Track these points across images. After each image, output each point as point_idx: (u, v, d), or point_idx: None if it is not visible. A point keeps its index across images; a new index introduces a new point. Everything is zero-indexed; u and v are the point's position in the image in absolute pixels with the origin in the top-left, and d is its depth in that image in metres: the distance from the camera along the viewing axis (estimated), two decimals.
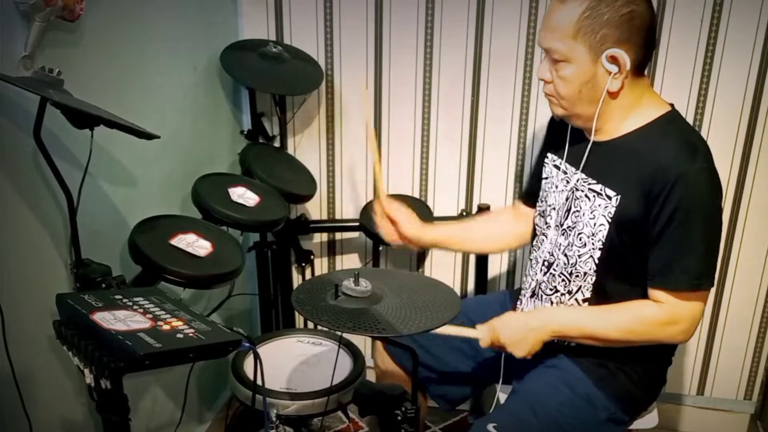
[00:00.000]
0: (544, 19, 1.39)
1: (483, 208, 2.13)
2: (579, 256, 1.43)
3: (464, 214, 2.17)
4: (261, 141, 2.22)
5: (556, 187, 1.51)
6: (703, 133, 2.01)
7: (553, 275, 1.50)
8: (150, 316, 1.07)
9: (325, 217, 2.34)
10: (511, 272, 2.29)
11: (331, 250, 2.39)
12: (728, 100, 1.98)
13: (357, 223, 2.17)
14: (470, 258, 2.27)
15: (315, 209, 2.33)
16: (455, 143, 2.17)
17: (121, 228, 1.57)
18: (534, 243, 1.59)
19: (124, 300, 1.12)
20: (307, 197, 2.12)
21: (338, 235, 2.37)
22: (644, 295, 1.39)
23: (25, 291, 1.33)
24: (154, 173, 1.77)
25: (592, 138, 1.41)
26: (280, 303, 2.29)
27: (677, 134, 1.35)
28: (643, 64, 1.36)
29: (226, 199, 1.75)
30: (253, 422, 1.81)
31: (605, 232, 1.38)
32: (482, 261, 2.20)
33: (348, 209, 2.30)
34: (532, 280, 1.56)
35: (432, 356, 1.64)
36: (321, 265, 2.41)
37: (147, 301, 1.13)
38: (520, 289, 1.64)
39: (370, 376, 1.77)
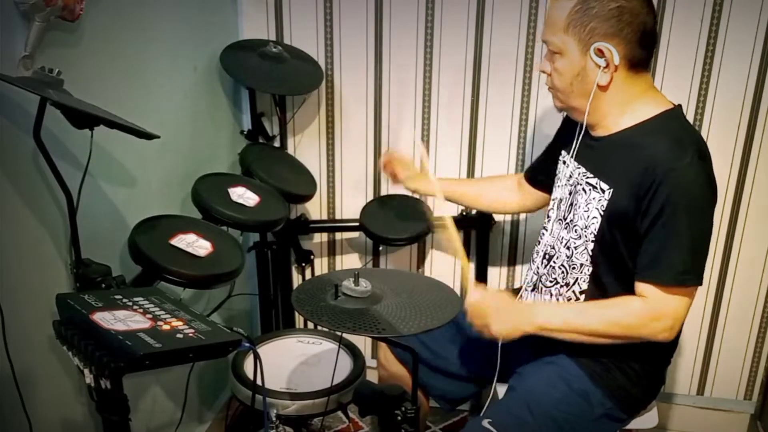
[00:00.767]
0: (545, 15, 1.45)
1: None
2: (575, 248, 1.46)
3: (464, 214, 2.17)
4: (261, 141, 2.22)
5: (561, 181, 1.55)
6: (703, 133, 2.01)
7: (553, 267, 1.51)
8: (150, 316, 1.07)
9: (325, 217, 2.34)
10: (510, 271, 2.29)
11: (331, 250, 2.39)
12: (728, 100, 1.98)
13: (357, 223, 2.16)
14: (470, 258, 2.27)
15: (315, 209, 2.33)
16: (455, 143, 2.17)
17: (121, 228, 1.57)
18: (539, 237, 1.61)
19: (124, 300, 1.12)
20: (307, 197, 2.12)
21: (338, 235, 2.37)
22: None
23: (25, 291, 1.33)
24: (154, 173, 1.76)
25: (584, 127, 1.45)
26: (280, 303, 2.29)
27: (672, 131, 1.35)
28: (640, 61, 1.37)
29: (226, 199, 1.75)
30: (253, 422, 1.81)
31: (597, 225, 1.40)
32: (482, 261, 2.20)
33: (348, 209, 2.30)
34: (534, 273, 1.58)
35: (433, 354, 1.64)
36: (321, 265, 2.41)
37: (147, 301, 1.13)
38: (520, 288, 1.65)
39: (370, 376, 1.77)
